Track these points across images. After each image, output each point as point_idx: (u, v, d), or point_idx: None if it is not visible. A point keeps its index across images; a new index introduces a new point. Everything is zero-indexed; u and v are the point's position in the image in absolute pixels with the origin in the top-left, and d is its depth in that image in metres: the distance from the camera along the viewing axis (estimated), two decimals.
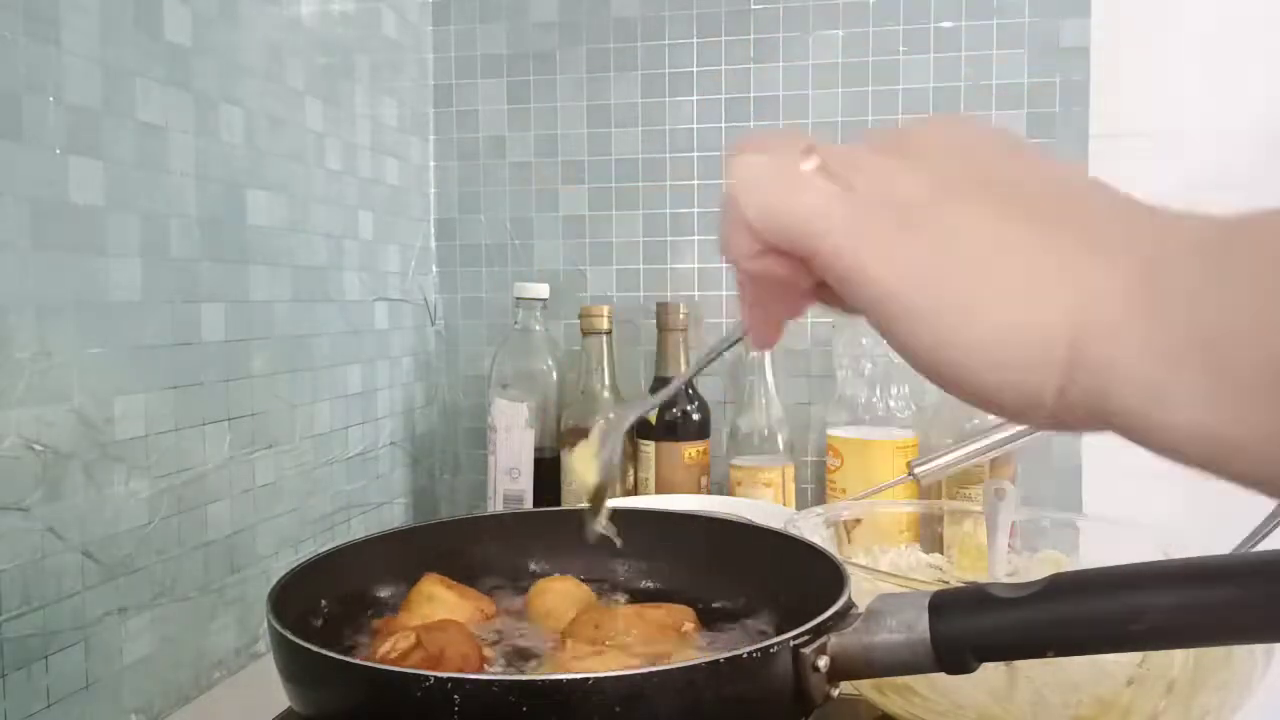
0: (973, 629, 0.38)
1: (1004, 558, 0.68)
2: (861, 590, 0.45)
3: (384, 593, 0.58)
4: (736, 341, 0.39)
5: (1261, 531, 0.56)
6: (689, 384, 0.96)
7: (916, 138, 0.28)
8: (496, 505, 0.95)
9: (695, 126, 1.04)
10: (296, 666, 0.42)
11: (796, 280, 0.29)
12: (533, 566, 0.63)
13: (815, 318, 1.02)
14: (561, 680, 0.38)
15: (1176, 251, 0.23)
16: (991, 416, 0.85)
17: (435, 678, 0.37)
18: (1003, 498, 0.67)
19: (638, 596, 0.60)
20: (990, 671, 0.48)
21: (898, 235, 0.26)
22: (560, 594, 0.57)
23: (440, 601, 0.54)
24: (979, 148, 0.27)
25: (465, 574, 0.59)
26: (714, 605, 0.58)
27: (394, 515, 1.00)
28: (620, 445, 0.47)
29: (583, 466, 0.48)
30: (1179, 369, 0.22)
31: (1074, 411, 0.24)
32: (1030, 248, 0.24)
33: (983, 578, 0.68)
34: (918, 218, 0.26)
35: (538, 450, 0.96)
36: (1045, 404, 0.24)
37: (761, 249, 0.28)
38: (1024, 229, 0.25)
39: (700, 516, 0.68)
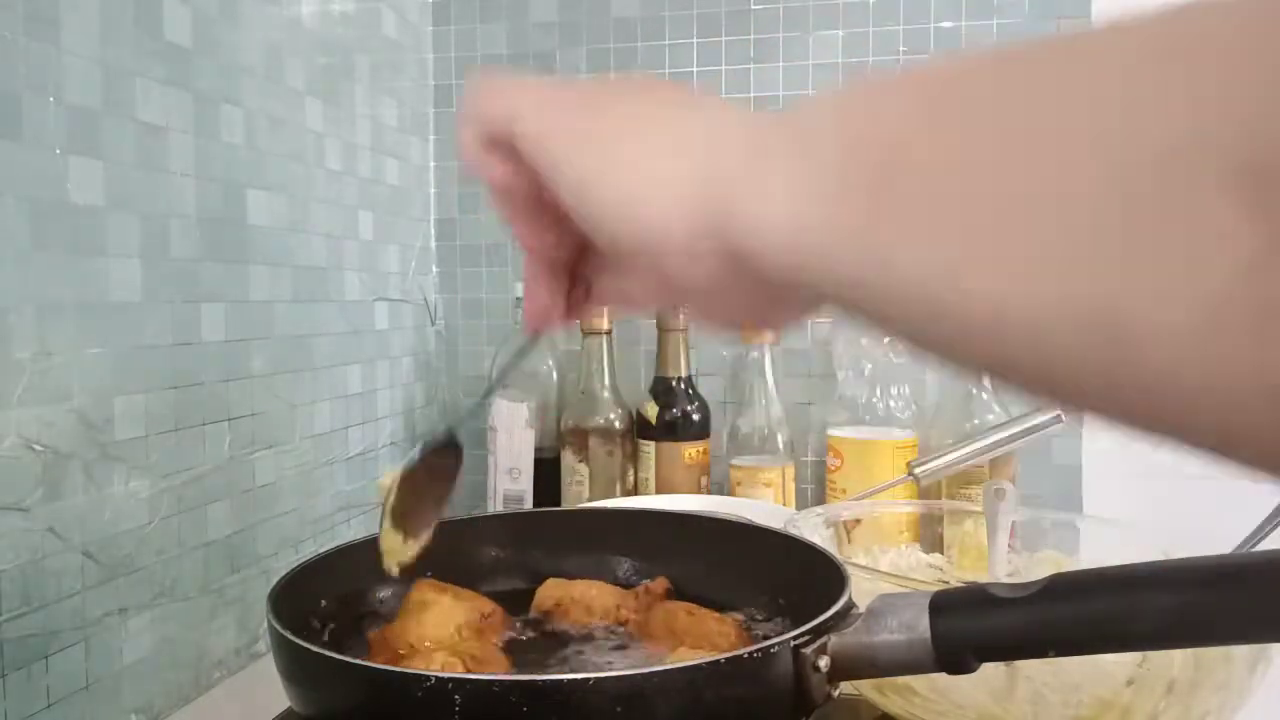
0: (973, 629, 0.38)
1: (1004, 558, 0.68)
2: (861, 590, 0.45)
3: (384, 593, 0.58)
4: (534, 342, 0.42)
5: (1261, 531, 0.56)
6: (688, 384, 0.96)
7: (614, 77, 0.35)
8: (496, 505, 0.95)
9: None
10: (296, 667, 0.42)
11: (514, 186, 0.34)
12: (533, 567, 0.63)
13: (816, 318, 1.02)
14: (562, 680, 0.38)
15: (790, 113, 0.27)
16: (991, 417, 0.85)
17: (436, 678, 0.37)
18: (1003, 498, 0.67)
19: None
20: (990, 671, 0.48)
21: (574, 114, 0.32)
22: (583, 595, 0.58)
23: (435, 606, 0.54)
24: (657, 81, 0.34)
25: (465, 575, 0.58)
26: (714, 605, 0.58)
27: None
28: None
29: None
30: (784, 168, 0.24)
31: (701, 239, 0.27)
32: (669, 121, 0.30)
33: (983, 578, 0.68)
34: (593, 104, 0.32)
35: (538, 450, 0.96)
36: (675, 236, 0.28)
37: (482, 144, 0.34)
38: (669, 112, 0.30)
39: (700, 516, 0.68)
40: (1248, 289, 0.15)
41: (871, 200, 0.21)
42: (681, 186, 0.27)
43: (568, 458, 0.96)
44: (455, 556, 0.60)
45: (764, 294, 0.28)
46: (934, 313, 0.20)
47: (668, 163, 0.28)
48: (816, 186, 0.23)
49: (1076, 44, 0.19)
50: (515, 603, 0.58)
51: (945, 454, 0.77)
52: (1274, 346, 0.15)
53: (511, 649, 0.53)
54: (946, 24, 0.99)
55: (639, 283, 0.36)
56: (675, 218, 0.27)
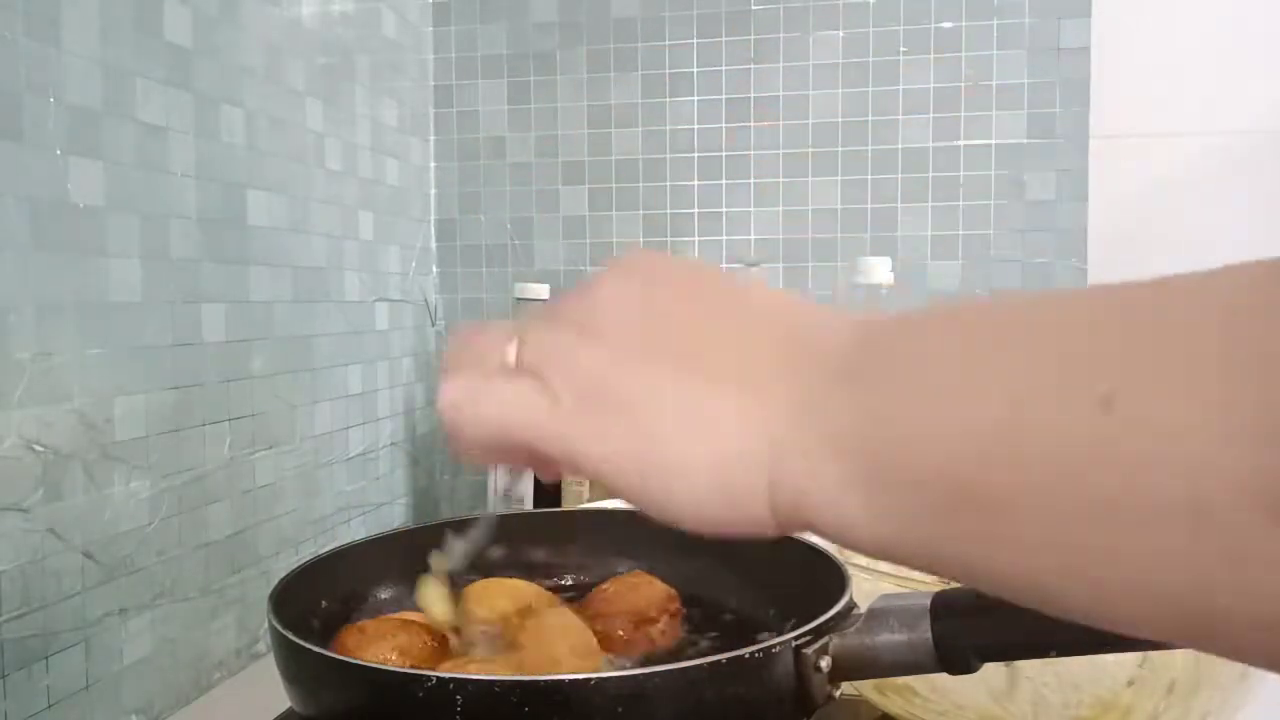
0: (974, 629, 0.38)
1: None
2: (862, 590, 0.45)
3: (384, 593, 0.58)
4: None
5: None
6: None
7: (598, 302, 0.29)
8: (496, 505, 0.95)
9: (695, 127, 1.04)
10: (297, 667, 0.42)
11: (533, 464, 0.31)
12: (533, 567, 0.62)
13: None
14: (563, 680, 0.38)
15: (819, 382, 0.25)
16: None
17: (437, 678, 0.37)
18: None
19: None
20: (990, 671, 0.48)
21: (590, 417, 0.28)
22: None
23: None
24: (655, 298, 0.29)
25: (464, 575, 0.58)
26: (714, 605, 0.58)
27: (394, 516, 1.00)
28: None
29: (433, 606, 0.54)
30: (844, 490, 0.23)
31: (793, 528, 0.26)
32: (702, 403, 0.26)
33: None
34: (602, 395, 0.28)
35: None
36: (768, 526, 0.26)
37: (492, 452, 0.31)
38: (695, 385, 0.27)
39: None
40: None
41: (957, 519, 0.22)
42: (751, 490, 0.25)
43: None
44: None
45: None
46: (1044, 599, 0.22)
47: (706, 448, 0.26)
48: (893, 509, 0.23)
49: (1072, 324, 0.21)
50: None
51: None
52: None
53: None
54: (946, 24, 0.99)
55: None
56: (759, 518, 0.26)
